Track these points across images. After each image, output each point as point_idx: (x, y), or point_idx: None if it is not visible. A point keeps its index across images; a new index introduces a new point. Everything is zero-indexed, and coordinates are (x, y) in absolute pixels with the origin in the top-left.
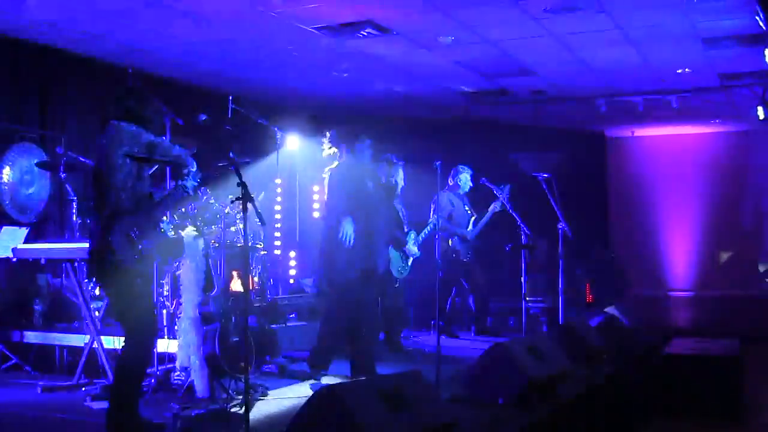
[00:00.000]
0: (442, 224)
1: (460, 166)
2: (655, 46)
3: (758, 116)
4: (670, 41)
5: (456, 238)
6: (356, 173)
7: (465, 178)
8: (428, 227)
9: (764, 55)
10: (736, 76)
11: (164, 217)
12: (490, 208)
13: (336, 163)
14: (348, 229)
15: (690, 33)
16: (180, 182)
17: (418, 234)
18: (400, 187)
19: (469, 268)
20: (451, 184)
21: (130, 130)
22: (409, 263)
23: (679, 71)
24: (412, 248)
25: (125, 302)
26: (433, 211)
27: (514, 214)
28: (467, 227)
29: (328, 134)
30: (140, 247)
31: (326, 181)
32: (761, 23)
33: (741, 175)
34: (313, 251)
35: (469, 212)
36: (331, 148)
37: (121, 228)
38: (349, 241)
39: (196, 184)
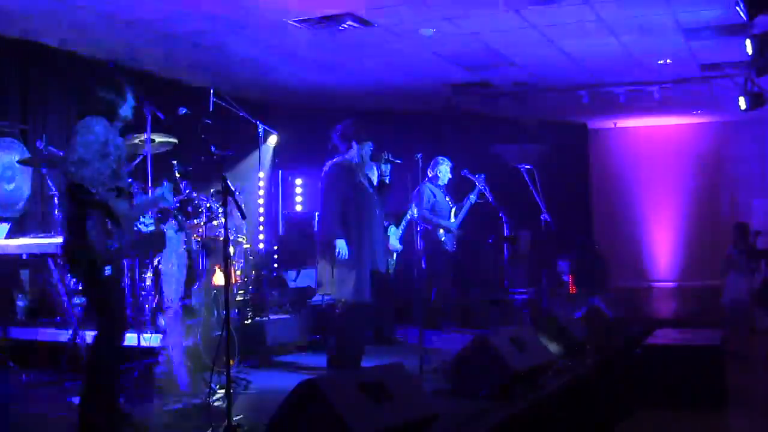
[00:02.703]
0: (428, 216)
1: (440, 158)
2: (637, 37)
3: (740, 106)
4: (651, 32)
5: (442, 230)
6: (354, 173)
7: (444, 170)
8: (404, 219)
9: (745, 45)
10: (718, 67)
11: (142, 217)
12: (469, 197)
13: (336, 159)
14: (343, 250)
15: (671, 24)
16: (160, 193)
17: (397, 227)
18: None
19: (454, 259)
20: (430, 175)
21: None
22: (394, 258)
23: (661, 62)
24: (395, 243)
25: (101, 296)
26: (415, 203)
27: (493, 203)
28: (449, 218)
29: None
30: (116, 244)
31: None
32: (741, 13)
33: (723, 165)
34: (294, 246)
35: (450, 203)
36: (334, 146)
37: (96, 223)
38: (346, 256)
39: (171, 194)
